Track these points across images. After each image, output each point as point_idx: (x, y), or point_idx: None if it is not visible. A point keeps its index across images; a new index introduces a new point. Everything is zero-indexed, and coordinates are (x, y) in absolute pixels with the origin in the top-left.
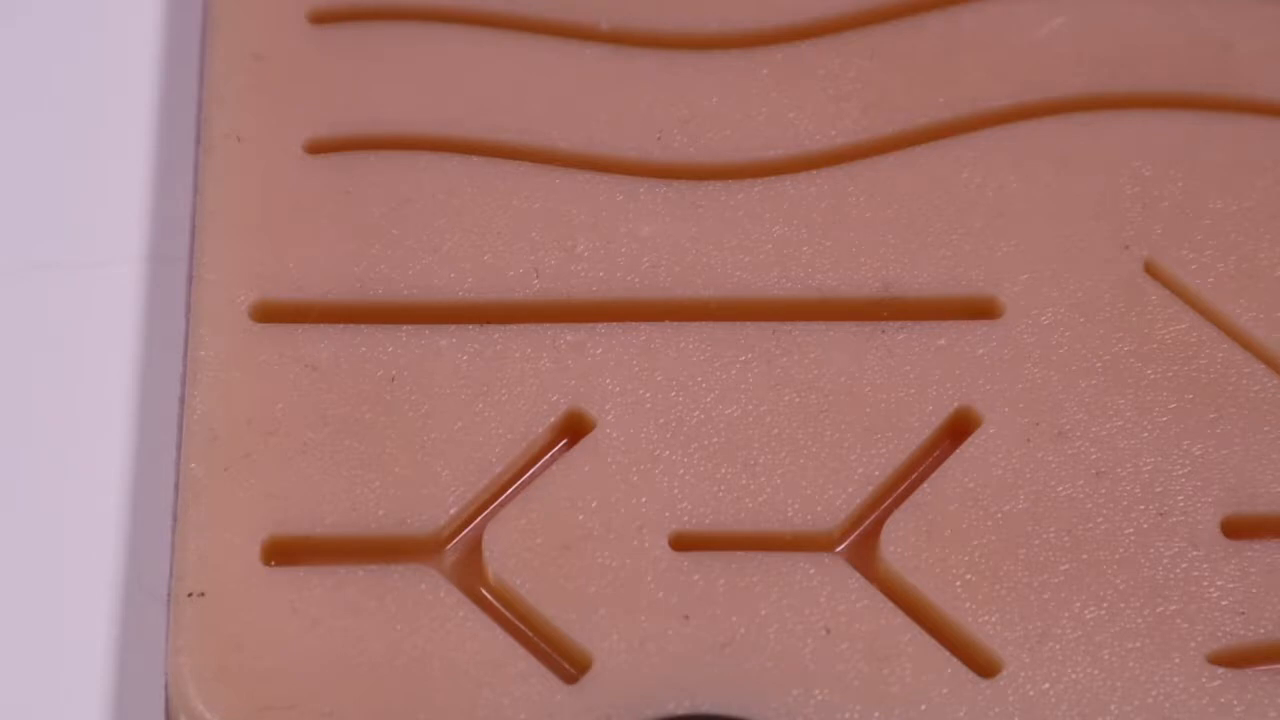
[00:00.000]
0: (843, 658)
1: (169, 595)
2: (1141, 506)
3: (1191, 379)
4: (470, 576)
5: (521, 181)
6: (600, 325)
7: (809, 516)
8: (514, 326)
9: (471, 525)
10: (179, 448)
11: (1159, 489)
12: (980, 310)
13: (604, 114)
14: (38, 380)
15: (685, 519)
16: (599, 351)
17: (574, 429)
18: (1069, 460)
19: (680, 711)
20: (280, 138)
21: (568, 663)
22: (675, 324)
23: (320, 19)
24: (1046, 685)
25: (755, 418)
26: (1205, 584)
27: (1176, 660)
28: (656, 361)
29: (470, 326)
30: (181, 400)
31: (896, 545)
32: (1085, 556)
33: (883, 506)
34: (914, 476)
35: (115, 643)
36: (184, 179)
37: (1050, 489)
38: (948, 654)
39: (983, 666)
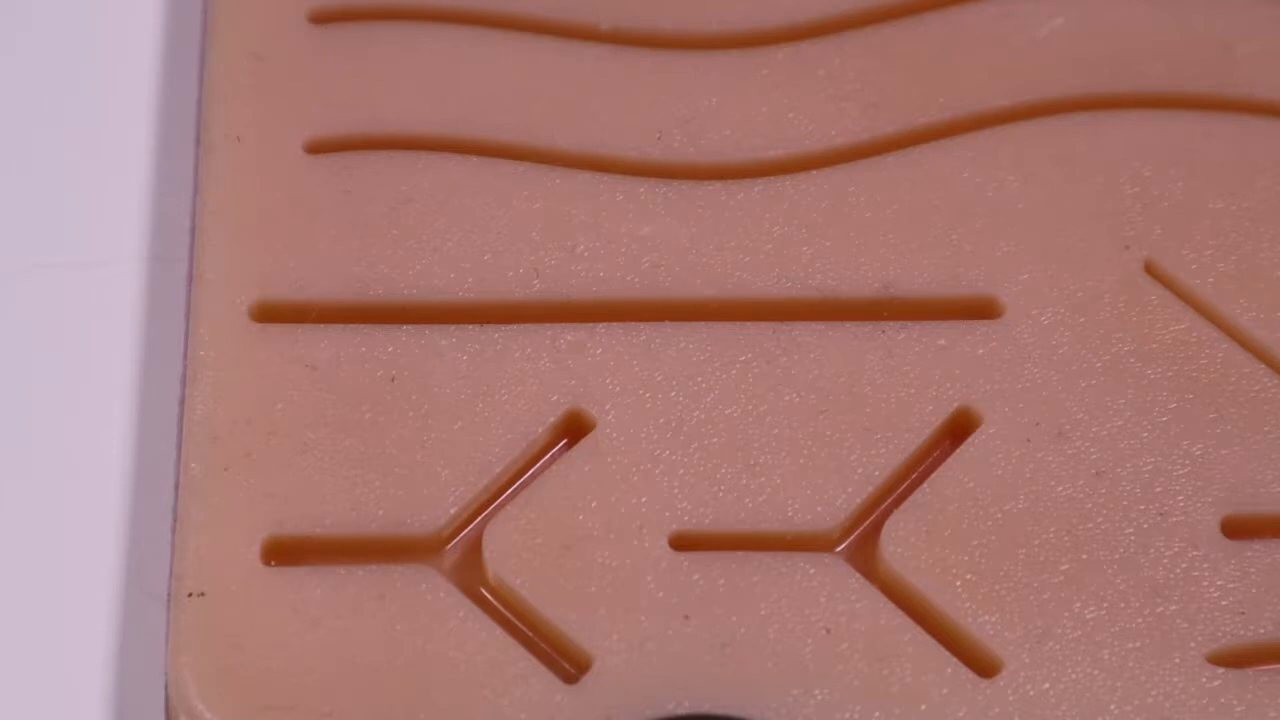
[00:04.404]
0: (843, 658)
1: (169, 595)
2: (1141, 506)
3: (1191, 379)
4: (470, 576)
5: (521, 181)
6: (600, 325)
7: (809, 516)
8: (514, 326)
9: (471, 525)
10: (179, 448)
11: (1159, 489)
12: (980, 310)
13: (604, 114)
14: (38, 380)
15: (685, 519)
16: (599, 351)
17: (574, 429)
18: (1069, 460)
19: (680, 711)
20: (280, 138)
21: (568, 663)
22: (675, 324)
23: (320, 19)
24: (1046, 685)
25: (755, 418)
26: (1205, 584)
27: (1176, 660)
28: (656, 361)
29: (470, 326)
30: (181, 400)
31: (896, 545)
32: (1085, 556)
33: (883, 506)
34: (914, 476)
35: (115, 643)
36: (184, 179)
37: (1050, 489)
38: (948, 654)
39: (983, 666)
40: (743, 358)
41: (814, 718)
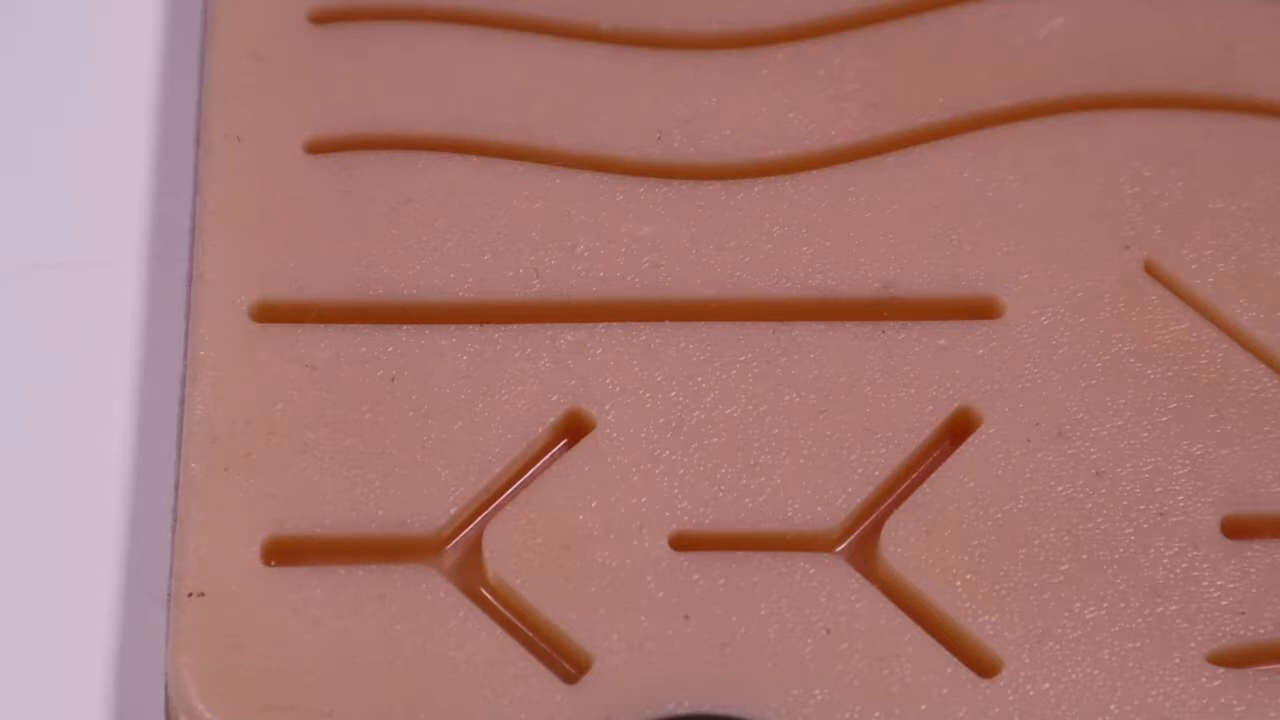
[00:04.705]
0: (843, 658)
1: (169, 595)
2: (1141, 506)
3: (1191, 379)
4: (470, 576)
5: (521, 181)
6: (600, 325)
7: (809, 516)
8: (514, 326)
9: (471, 525)
10: (179, 448)
11: (1159, 489)
12: (980, 310)
13: (604, 114)
14: (38, 380)
15: (685, 519)
16: (599, 351)
17: (574, 429)
18: (1069, 460)
19: (680, 711)
20: (280, 138)
21: (568, 663)
22: (675, 324)
23: (320, 19)
24: (1046, 685)
25: (755, 418)
26: (1205, 584)
27: (1176, 660)
28: (656, 361)
29: (470, 326)
30: (181, 400)
31: (896, 545)
32: (1085, 556)
33: (883, 506)
34: (914, 476)
35: (115, 643)
36: (184, 179)
37: (1050, 489)
38: (948, 654)
39: (983, 666)
40: (743, 358)
41: (814, 718)
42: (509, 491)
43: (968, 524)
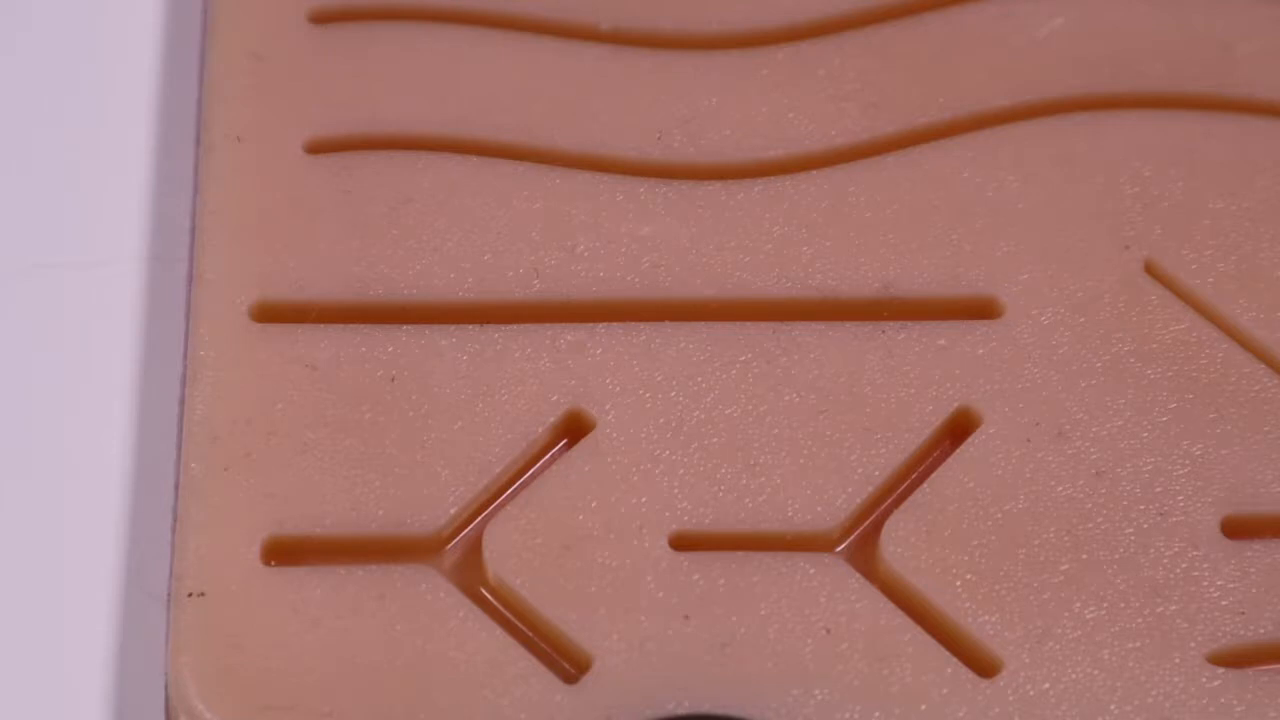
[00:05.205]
0: (843, 658)
1: (169, 595)
2: (1141, 506)
3: (1191, 379)
4: (470, 576)
5: (521, 181)
6: (600, 325)
7: (809, 516)
8: (514, 326)
9: (471, 525)
10: (179, 448)
11: (1159, 489)
12: (980, 310)
13: (604, 114)
14: (38, 380)
15: (685, 519)
16: (599, 351)
17: (574, 429)
18: (1069, 460)
19: (680, 711)
20: (280, 138)
21: (568, 663)
22: (675, 324)
23: (320, 19)
24: (1046, 685)
25: (755, 418)
26: (1205, 584)
27: (1176, 660)
28: (656, 361)
29: (470, 326)
30: (181, 400)
31: (896, 545)
32: (1085, 556)
33: (883, 506)
34: (914, 476)
35: (115, 643)
36: (184, 179)
37: (1050, 489)
38: (948, 654)
39: (983, 666)
40: (743, 358)
41: (814, 718)
42: (509, 491)
43: (968, 524)
